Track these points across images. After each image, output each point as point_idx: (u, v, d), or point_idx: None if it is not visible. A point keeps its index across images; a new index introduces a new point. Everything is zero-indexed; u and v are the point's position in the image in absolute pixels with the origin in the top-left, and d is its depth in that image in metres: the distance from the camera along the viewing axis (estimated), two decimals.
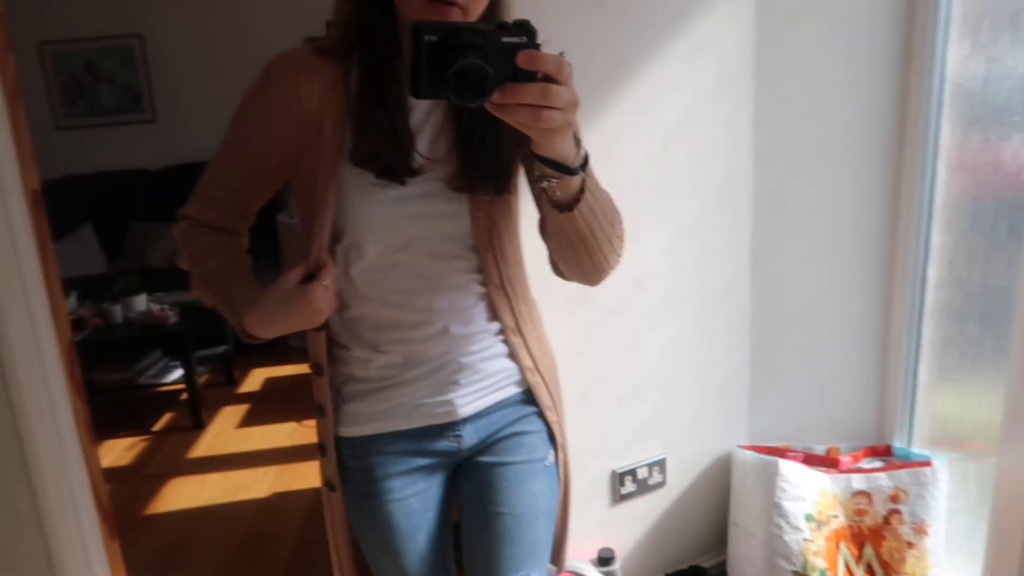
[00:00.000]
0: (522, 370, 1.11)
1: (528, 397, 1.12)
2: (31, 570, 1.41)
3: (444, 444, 1.09)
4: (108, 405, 3.54)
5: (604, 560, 1.71)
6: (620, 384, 1.78)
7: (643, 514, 1.90)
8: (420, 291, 1.02)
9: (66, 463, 1.43)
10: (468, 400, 1.07)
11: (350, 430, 1.09)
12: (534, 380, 1.12)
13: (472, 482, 1.12)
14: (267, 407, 3.52)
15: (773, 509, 1.74)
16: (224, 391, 3.75)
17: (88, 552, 1.46)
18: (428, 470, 1.10)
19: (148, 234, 4.42)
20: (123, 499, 2.70)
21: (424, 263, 1.01)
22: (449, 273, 1.03)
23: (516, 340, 1.10)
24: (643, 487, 1.87)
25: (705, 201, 1.78)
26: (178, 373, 3.53)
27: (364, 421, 1.08)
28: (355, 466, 1.10)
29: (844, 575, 1.72)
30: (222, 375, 3.88)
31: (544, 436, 1.14)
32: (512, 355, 1.10)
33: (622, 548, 1.86)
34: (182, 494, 2.75)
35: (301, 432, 3.18)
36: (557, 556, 1.21)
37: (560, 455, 1.15)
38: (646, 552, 1.93)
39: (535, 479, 1.11)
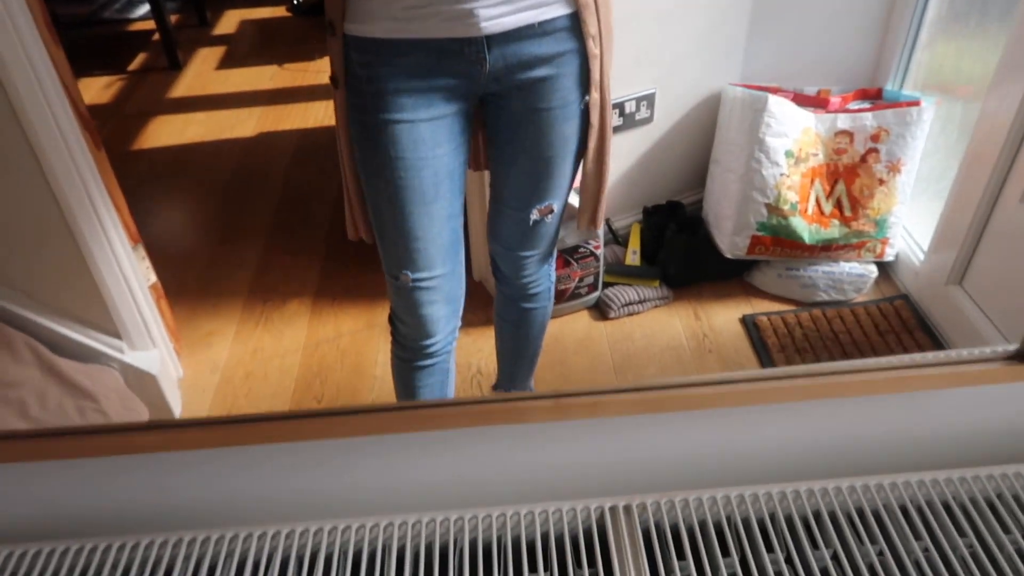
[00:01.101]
0: None
1: (572, 23, 0.99)
2: (23, 183, 1.43)
3: (465, 64, 0.98)
4: (76, 43, 3.38)
5: None
6: (613, 10, 1.68)
7: (628, 150, 1.93)
8: None
9: (33, 66, 1.37)
10: (495, 14, 0.94)
11: (357, 27, 0.98)
12: (584, 0, 0.98)
13: (500, 120, 1.07)
14: (245, 50, 3.39)
15: (755, 144, 1.76)
16: (198, 32, 3.57)
17: (76, 161, 1.48)
18: (446, 94, 1.00)
19: None
20: (108, 135, 2.70)
21: None
22: None
23: None
24: (630, 122, 1.87)
25: None
26: (144, 9, 3.33)
27: (374, 19, 0.97)
28: (363, 75, 0.99)
29: (814, 209, 1.81)
30: (193, 16, 3.67)
31: (583, 76, 1.04)
32: None
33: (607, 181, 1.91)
34: (167, 132, 2.75)
35: (283, 75, 3.10)
36: (595, 215, 1.20)
37: (598, 95, 1.05)
38: (627, 187, 2.00)
39: (567, 123, 1.06)
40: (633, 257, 1.96)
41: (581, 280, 1.85)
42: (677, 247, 1.90)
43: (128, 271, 1.61)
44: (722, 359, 1.74)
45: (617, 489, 0.65)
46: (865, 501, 0.69)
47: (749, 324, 1.81)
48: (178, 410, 1.72)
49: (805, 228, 1.80)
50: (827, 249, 1.81)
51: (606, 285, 1.91)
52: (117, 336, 1.65)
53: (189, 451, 0.64)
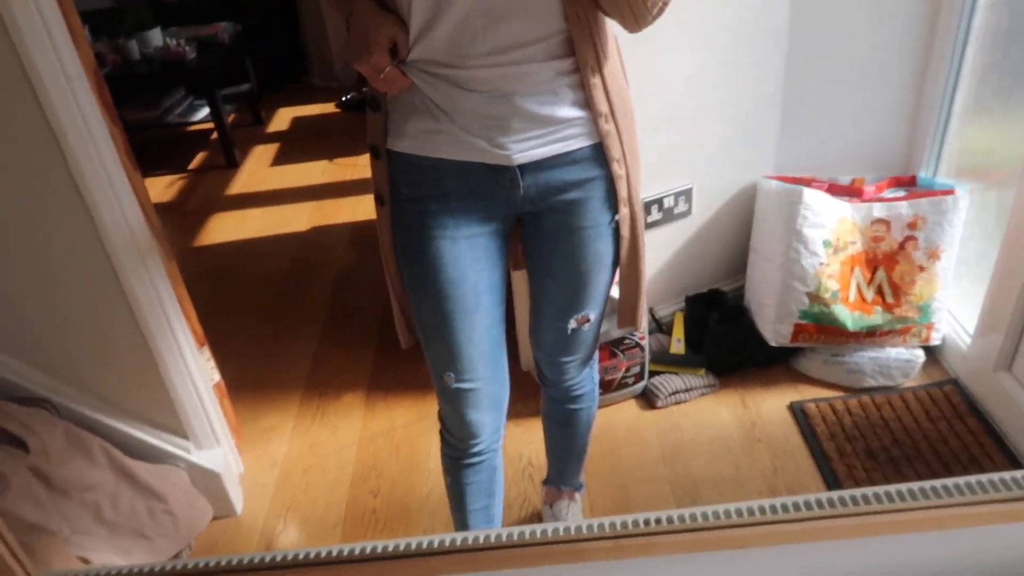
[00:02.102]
0: (595, 118, 1.03)
1: (596, 152, 1.06)
2: (102, 295, 1.54)
3: (501, 189, 1.05)
4: (140, 145, 3.60)
5: None
6: (646, 113, 1.76)
7: (667, 242, 1.99)
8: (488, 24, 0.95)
9: (115, 189, 1.48)
10: (525, 147, 1.02)
11: (398, 142, 1.06)
12: (607, 129, 1.04)
13: (536, 237, 1.14)
14: (297, 146, 3.57)
15: (792, 235, 1.81)
16: (252, 131, 3.78)
17: (150, 273, 1.58)
18: (484, 214, 1.08)
19: None
20: (169, 233, 2.86)
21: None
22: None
23: (595, 81, 1.00)
24: (668, 216, 1.93)
25: None
26: (204, 112, 3.54)
27: (411, 136, 1.05)
28: (407, 193, 1.08)
29: (855, 296, 1.83)
30: (248, 115, 3.88)
31: (610, 197, 1.10)
32: (586, 100, 1.02)
33: (648, 272, 1.97)
34: (225, 228, 2.90)
35: (333, 170, 3.26)
36: (633, 316, 1.26)
37: (627, 210, 1.12)
38: (668, 278, 2.05)
39: (599, 241, 1.13)
40: (678, 345, 2.00)
41: (627, 370, 1.89)
42: (721, 335, 1.93)
43: (195, 373, 1.70)
44: (772, 449, 1.75)
45: None
46: None
47: (797, 411, 1.82)
48: (240, 506, 1.78)
49: (848, 316, 1.82)
50: (872, 335, 1.83)
51: (652, 374, 1.94)
52: (184, 436, 1.73)
53: None
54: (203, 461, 1.72)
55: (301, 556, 0.76)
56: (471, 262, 1.10)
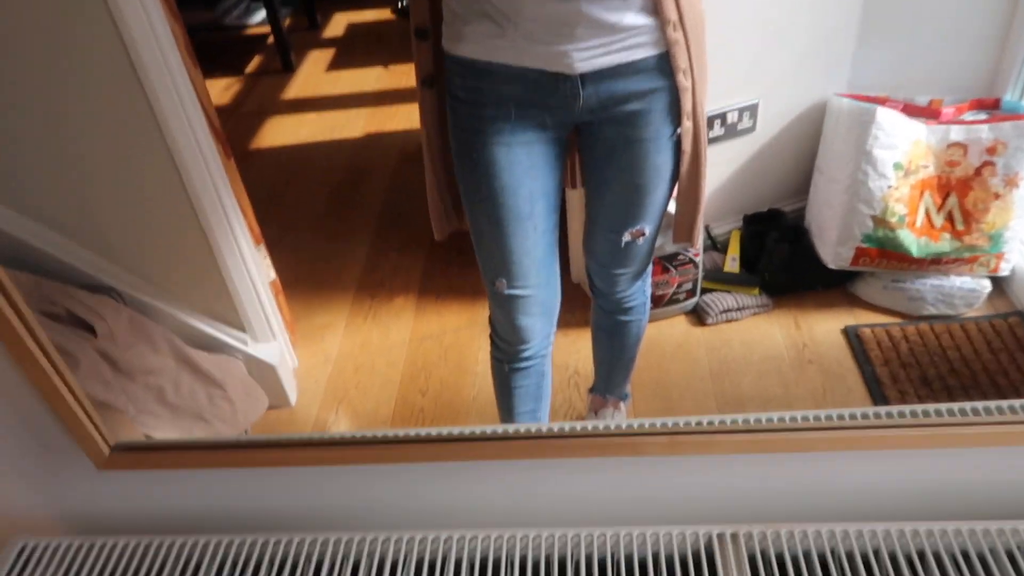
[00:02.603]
0: (662, 25, 0.97)
1: (661, 62, 1.01)
2: (165, 190, 1.57)
3: (560, 97, 1.02)
4: (197, 47, 3.59)
5: None
6: (717, 22, 1.68)
7: (728, 158, 1.93)
8: None
9: (176, 87, 1.49)
10: (588, 56, 0.98)
11: (457, 46, 1.03)
12: (674, 37, 0.99)
13: (595, 148, 1.11)
14: (353, 52, 3.53)
15: (862, 156, 1.74)
16: (308, 35, 3.74)
17: (211, 172, 1.60)
18: (542, 122, 1.06)
19: None
20: (228, 135, 2.88)
21: None
22: None
23: None
24: (731, 132, 1.87)
25: None
26: (261, 15, 3.51)
27: (471, 40, 1.01)
28: (465, 97, 1.06)
29: (923, 221, 1.77)
30: (304, 19, 3.84)
31: (673, 109, 1.06)
32: (654, 7, 0.96)
33: (707, 189, 1.93)
34: (281, 132, 2.90)
35: (388, 77, 3.22)
36: (690, 232, 1.22)
37: (690, 124, 1.07)
38: (727, 196, 2.00)
39: (659, 154, 1.09)
40: (732, 264, 1.97)
41: (679, 286, 1.87)
42: (778, 255, 1.89)
43: (252, 269, 1.74)
44: (823, 370, 1.73)
45: (725, 517, 0.68)
46: (971, 544, 0.70)
47: (852, 335, 1.79)
48: (294, 398, 1.84)
49: (913, 241, 1.76)
50: (937, 262, 1.77)
51: (704, 291, 1.92)
52: (241, 329, 1.78)
53: (338, 466, 0.72)
54: (259, 353, 1.78)
55: (359, 436, 0.78)
56: (527, 169, 1.08)
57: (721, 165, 1.93)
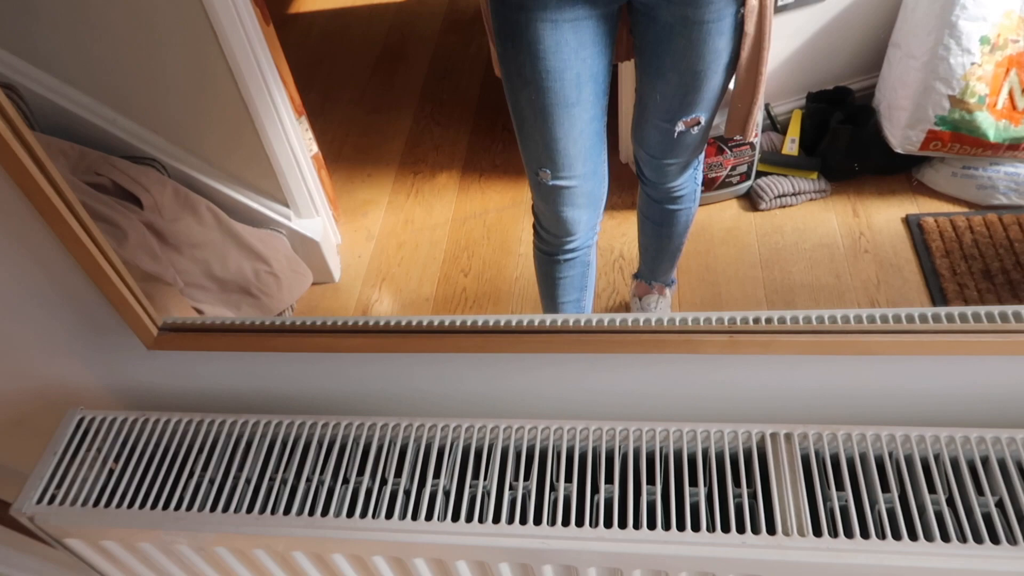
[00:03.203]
0: None
1: None
2: (204, 58, 1.51)
3: None
4: None
5: None
6: None
7: (796, 30, 1.79)
8: None
9: None
10: None
11: None
12: None
13: (649, 31, 1.01)
14: None
15: (946, 28, 1.59)
16: None
17: (249, 38, 1.54)
18: (587, 5, 0.96)
19: None
20: None
21: None
22: None
23: None
24: (801, 0, 1.73)
25: None
26: None
27: None
28: None
29: (1005, 103, 1.64)
30: None
31: None
32: None
33: (771, 64, 1.80)
34: None
35: None
36: (744, 126, 1.15)
37: (756, 2, 0.99)
38: (791, 71, 1.87)
39: (720, 37, 1.00)
40: (791, 146, 1.87)
41: (733, 169, 1.79)
42: (841, 137, 1.79)
43: (295, 142, 1.70)
44: (879, 261, 1.67)
45: (780, 417, 0.67)
46: None
47: (913, 225, 1.71)
48: (338, 274, 1.85)
49: (992, 124, 1.64)
50: (1014, 148, 1.66)
51: (759, 175, 1.84)
52: (284, 204, 1.77)
53: (385, 354, 0.71)
54: (303, 229, 1.77)
55: (415, 323, 0.77)
56: (574, 48, 0.99)
57: (787, 38, 1.80)
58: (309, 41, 2.69)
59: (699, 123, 1.13)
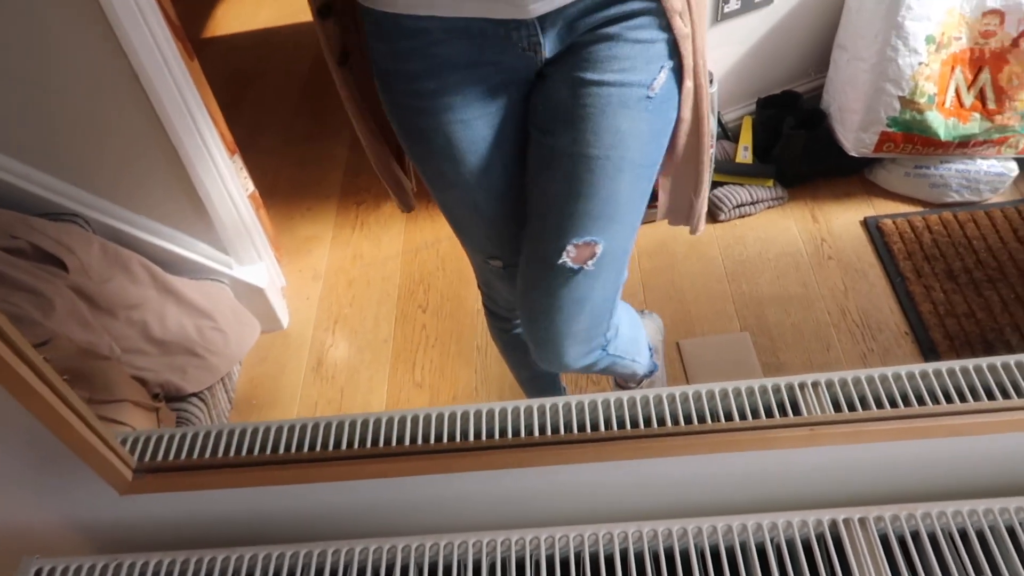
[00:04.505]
0: None
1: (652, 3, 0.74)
2: (124, 100, 1.38)
3: (514, 51, 0.76)
4: None
5: None
6: None
7: (744, 35, 1.77)
8: None
9: None
10: None
11: (379, 2, 0.77)
12: None
13: (539, 102, 0.81)
14: None
15: (893, 29, 1.59)
16: None
17: (173, 75, 1.41)
18: (497, 84, 0.79)
19: None
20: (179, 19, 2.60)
21: None
22: None
23: None
24: (748, 5, 1.70)
25: None
26: None
27: None
28: (390, 68, 0.81)
29: (952, 101, 1.65)
30: None
31: (658, 51, 0.77)
32: None
33: (718, 71, 1.77)
34: (238, 17, 2.63)
35: None
36: (688, 215, 0.94)
37: (691, 84, 0.80)
38: (739, 78, 1.85)
39: (624, 112, 0.78)
40: (744, 154, 1.85)
41: None
42: (795, 143, 1.77)
43: (230, 183, 1.58)
44: (843, 267, 1.66)
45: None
46: None
47: (872, 227, 1.71)
48: (286, 320, 1.73)
49: (941, 123, 1.65)
50: (964, 145, 1.67)
51: (715, 185, 1.81)
52: (224, 251, 1.64)
53: (376, 479, 0.63)
54: (245, 276, 1.65)
55: (395, 448, 0.68)
56: (496, 143, 0.84)
57: (736, 44, 1.77)
58: (229, 68, 2.53)
59: (595, 254, 0.82)
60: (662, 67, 0.78)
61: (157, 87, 1.38)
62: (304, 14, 2.68)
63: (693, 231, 0.99)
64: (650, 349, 1.20)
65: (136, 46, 1.33)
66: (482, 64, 0.77)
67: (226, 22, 2.62)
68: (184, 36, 1.46)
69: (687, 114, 0.84)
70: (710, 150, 0.88)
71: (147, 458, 0.64)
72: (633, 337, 1.07)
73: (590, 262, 0.83)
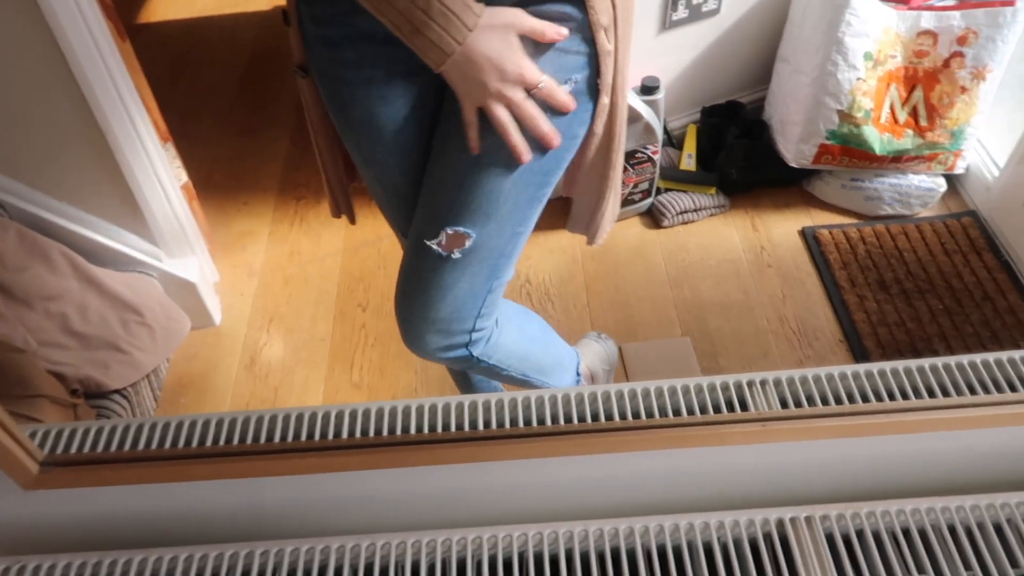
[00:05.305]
0: None
1: (579, 9, 0.74)
2: (48, 78, 1.31)
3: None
4: None
5: (648, 89, 1.64)
6: None
7: (691, 44, 1.79)
8: None
9: None
10: None
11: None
12: None
13: (448, 91, 0.78)
14: None
15: (833, 45, 1.63)
16: None
17: (103, 55, 1.34)
18: (418, 69, 0.75)
19: None
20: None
21: None
22: None
23: None
24: (696, 14, 1.72)
25: None
26: None
27: None
28: (314, 32, 0.80)
29: (887, 117, 1.70)
30: None
31: (572, 62, 0.76)
32: None
33: (665, 78, 1.79)
34: (174, 3, 2.54)
35: None
36: (588, 227, 0.95)
37: (608, 100, 0.80)
38: (685, 86, 1.87)
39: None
40: (688, 161, 1.86)
41: (635, 186, 1.76)
42: (738, 152, 1.80)
43: (161, 172, 1.51)
44: (782, 275, 1.68)
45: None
46: None
47: (809, 237, 1.74)
48: (218, 317, 1.66)
49: (877, 138, 1.69)
50: (897, 160, 1.72)
51: (659, 191, 1.82)
52: (154, 243, 1.57)
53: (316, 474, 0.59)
54: (176, 270, 1.58)
55: (331, 441, 0.65)
56: (417, 122, 0.84)
57: (684, 51, 1.79)
58: (164, 54, 2.43)
59: (464, 245, 0.83)
60: (572, 79, 0.77)
61: (84, 66, 1.31)
62: (244, 4, 2.60)
63: (589, 242, 0.99)
64: (578, 375, 1.19)
65: (62, 21, 1.26)
66: (401, 43, 0.73)
67: (162, 8, 2.52)
68: (115, 15, 1.39)
69: (599, 129, 0.83)
70: (618, 170, 0.87)
71: (58, 452, 0.59)
72: (527, 355, 1.05)
73: (457, 251, 0.84)
